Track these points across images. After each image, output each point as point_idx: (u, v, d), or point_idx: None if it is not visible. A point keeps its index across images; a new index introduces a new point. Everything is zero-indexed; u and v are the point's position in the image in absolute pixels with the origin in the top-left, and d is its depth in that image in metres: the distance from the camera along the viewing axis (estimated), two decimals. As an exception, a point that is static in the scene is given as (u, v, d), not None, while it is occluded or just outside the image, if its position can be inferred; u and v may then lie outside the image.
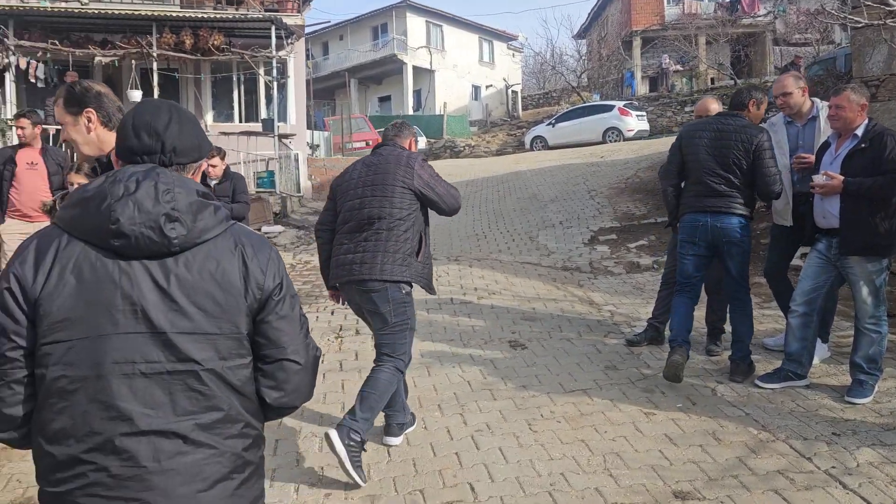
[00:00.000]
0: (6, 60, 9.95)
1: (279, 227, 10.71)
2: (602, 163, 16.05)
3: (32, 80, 10.32)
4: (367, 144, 21.24)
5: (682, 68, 28.54)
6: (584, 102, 26.58)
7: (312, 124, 15.98)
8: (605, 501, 3.21)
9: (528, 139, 23.90)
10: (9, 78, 10.18)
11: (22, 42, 10.04)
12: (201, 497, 1.43)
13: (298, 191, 12.85)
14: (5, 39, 9.85)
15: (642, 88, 29.18)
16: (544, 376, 4.80)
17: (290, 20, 11.99)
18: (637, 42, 29.29)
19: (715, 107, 5.18)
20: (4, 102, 10.16)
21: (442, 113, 30.80)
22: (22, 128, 5.84)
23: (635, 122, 20.85)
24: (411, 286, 3.71)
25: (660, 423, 4.00)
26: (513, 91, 37.17)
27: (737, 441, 3.73)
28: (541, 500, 3.26)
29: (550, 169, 15.67)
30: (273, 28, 11.22)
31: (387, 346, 3.69)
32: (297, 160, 12.81)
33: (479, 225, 11.19)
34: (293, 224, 11.21)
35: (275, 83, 11.71)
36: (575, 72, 37.27)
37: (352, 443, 3.36)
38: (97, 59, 11.22)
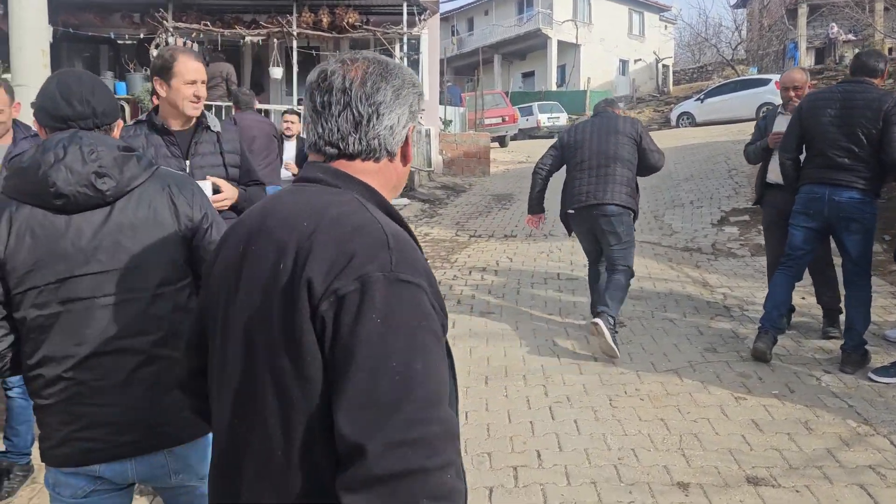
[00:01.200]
0: (166, 41, 10.91)
1: (405, 200, 11.02)
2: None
3: (189, 59, 11.24)
4: (503, 121, 21.22)
5: (853, 38, 25.97)
6: (739, 76, 24.94)
7: (446, 100, 16.18)
8: (671, 479, 3.12)
9: (674, 115, 22.84)
10: (169, 57, 11.17)
11: (179, 24, 10.94)
12: (163, 398, 1.70)
13: (429, 165, 13.12)
14: (164, 22, 10.79)
15: (807, 60, 26.87)
16: (637, 354, 4.67)
17: (424, -3, 12.19)
18: (803, 10, 26.95)
19: (800, 77, 4.99)
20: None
21: (586, 88, 30.11)
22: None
23: (793, 97, 19.25)
24: (634, 215, 4.92)
25: (749, 408, 3.79)
26: (663, 65, 35.54)
27: (830, 432, 3.46)
28: (605, 472, 3.21)
29: (692, 146, 14.91)
30: (405, 5, 11.46)
31: (620, 258, 4.80)
32: (428, 135, 13.06)
33: (605, 202, 10.93)
34: (419, 197, 11.49)
35: (406, 60, 11.98)
36: (730, 44, 34.96)
37: (610, 324, 4.49)
38: (246, 38, 11.96)
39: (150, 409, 1.70)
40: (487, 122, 19.96)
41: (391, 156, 1.24)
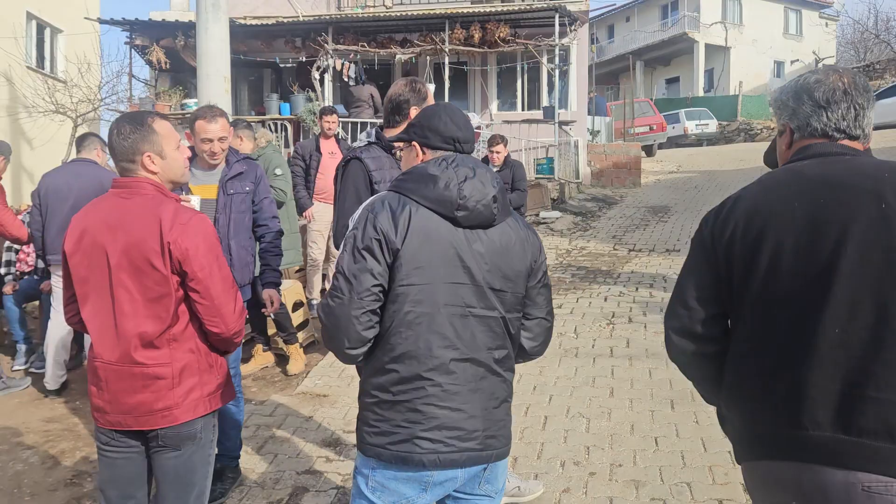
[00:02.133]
0: (326, 63, 11.45)
1: (556, 213, 10.84)
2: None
3: (345, 79, 11.74)
4: (651, 129, 20.52)
5: None
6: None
7: (593, 110, 15.86)
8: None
9: (839, 118, 21.06)
10: (327, 78, 11.72)
11: (338, 46, 11.44)
12: (493, 412, 1.84)
13: (577, 177, 12.88)
14: (325, 45, 11.32)
15: None
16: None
17: (573, 6, 12.01)
18: None
19: None
20: (324, 99, 11.70)
21: (737, 93, 28.56)
22: (330, 122, 6.66)
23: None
24: None
25: None
26: (824, 65, 33.07)
27: None
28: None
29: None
30: (556, 16, 11.35)
31: None
32: (576, 146, 12.83)
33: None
34: (570, 210, 11.27)
35: (557, 71, 11.84)
36: (903, 39, 31.93)
37: None
38: (397, 57, 12.32)
39: (486, 420, 1.82)
40: (637, 130, 19.37)
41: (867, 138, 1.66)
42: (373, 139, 3.04)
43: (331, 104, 10.89)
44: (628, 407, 4.25)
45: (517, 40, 11.55)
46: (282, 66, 13.70)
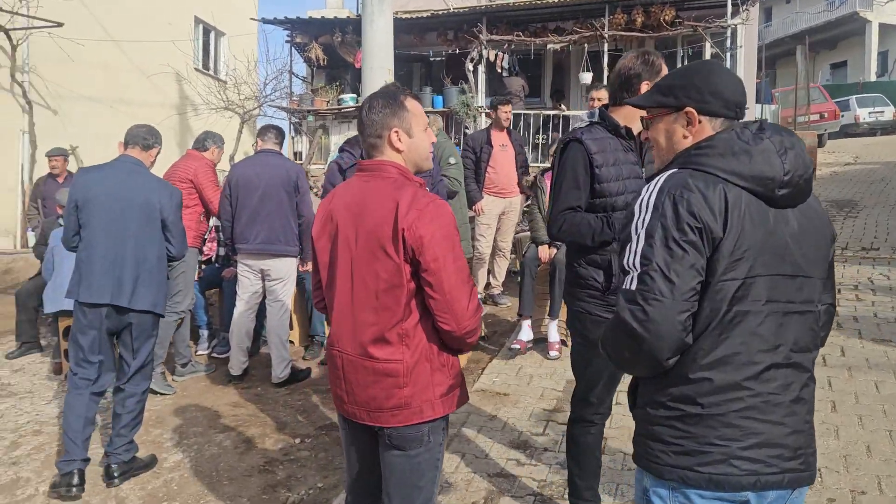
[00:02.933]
0: (479, 54, 11.28)
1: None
2: None
3: (499, 70, 11.51)
4: (822, 118, 18.87)
5: None
6: None
7: (761, 98, 14.73)
8: None
9: None
10: (480, 69, 11.55)
11: (493, 37, 11.23)
12: (808, 424, 1.57)
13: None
14: (479, 35, 11.15)
15: None
16: None
17: (744, -16, 11.13)
18: None
19: None
20: (477, 91, 11.55)
21: (916, 77, 25.79)
22: (507, 112, 6.40)
23: None
24: None
25: None
26: None
27: None
28: None
29: None
30: (729, -5, 10.56)
31: None
32: (743, 136, 11.92)
33: None
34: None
35: (728, 54, 11.02)
36: None
37: None
38: (549, 46, 11.95)
39: (808, 435, 1.57)
40: (810, 118, 17.86)
41: None
42: (595, 119, 2.77)
43: (493, 95, 10.71)
44: (857, 424, 3.72)
45: (684, 22, 10.84)
46: (432, 59, 13.72)
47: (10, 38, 10.83)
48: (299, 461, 3.90)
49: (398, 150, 2.10)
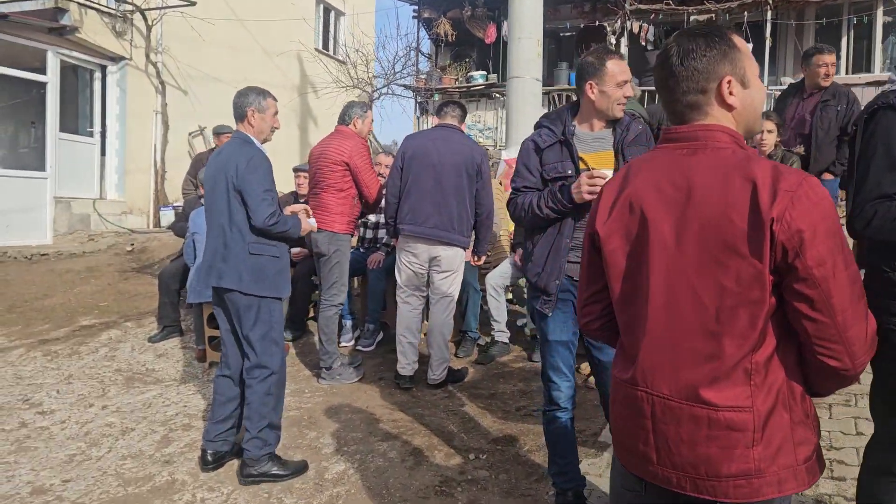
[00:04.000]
0: (623, 25, 10.45)
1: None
2: None
3: (642, 43, 10.63)
4: None
5: None
6: None
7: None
8: None
9: None
10: (623, 42, 10.70)
11: (640, 6, 10.36)
12: None
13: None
14: (624, 5, 10.30)
15: None
16: None
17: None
18: None
19: None
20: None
21: None
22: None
23: None
24: None
25: None
26: None
27: None
28: None
29: None
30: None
31: None
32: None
33: None
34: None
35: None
36: None
37: None
38: (692, 17, 10.97)
39: None
40: None
41: None
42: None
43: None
44: None
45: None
46: (561, 35, 12.97)
47: (145, 19, 10.90)
48: (478, 482, 3.37)
49: (730, 108, 1.48)
